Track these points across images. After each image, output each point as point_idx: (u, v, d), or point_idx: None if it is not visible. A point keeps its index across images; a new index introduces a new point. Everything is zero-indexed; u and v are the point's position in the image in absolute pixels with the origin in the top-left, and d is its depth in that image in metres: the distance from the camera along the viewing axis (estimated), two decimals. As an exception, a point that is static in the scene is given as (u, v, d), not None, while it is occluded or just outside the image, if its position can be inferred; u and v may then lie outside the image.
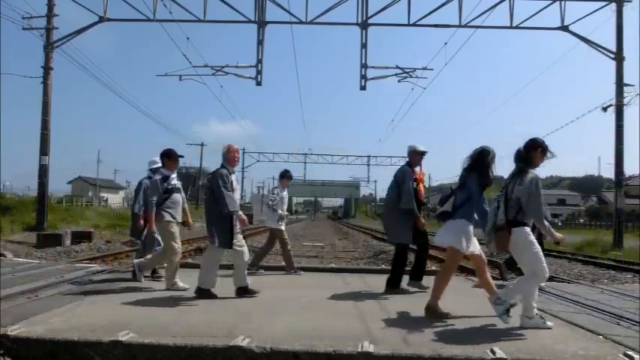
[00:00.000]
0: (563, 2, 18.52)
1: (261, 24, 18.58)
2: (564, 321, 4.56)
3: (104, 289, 5.86)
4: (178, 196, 6.21)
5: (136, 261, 6.31)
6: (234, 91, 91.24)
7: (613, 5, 18.35)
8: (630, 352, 3.41)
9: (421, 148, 6.29)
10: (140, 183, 6.86)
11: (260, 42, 18.63)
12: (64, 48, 19.65)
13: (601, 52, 18.73)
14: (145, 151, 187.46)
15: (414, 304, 5.38)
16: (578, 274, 10.93)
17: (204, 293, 5.28)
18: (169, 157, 6.20)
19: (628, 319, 4.75)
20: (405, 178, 5.95)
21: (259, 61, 18.75)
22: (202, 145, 55.70)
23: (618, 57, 18.37)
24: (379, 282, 6.90)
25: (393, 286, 5.97)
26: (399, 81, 21.07)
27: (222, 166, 5.57)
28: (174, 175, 6.25)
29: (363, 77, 18.98)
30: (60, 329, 3.74)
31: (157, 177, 6.14)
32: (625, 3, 18.26)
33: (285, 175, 8.09)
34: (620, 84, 18.33)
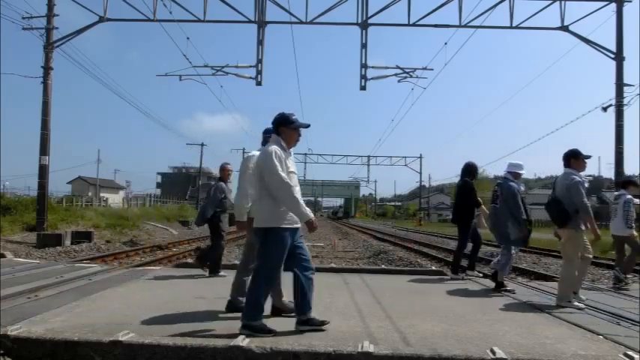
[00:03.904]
0: (563, 2, 18.51)
1: (261, 24, 18.57)
2: (564, 321, 4.57)
3: (104, 289, 5.86)
4: None
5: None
6: (234, 91, 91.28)
7: (613, 5, 18.34)
8: (630, 352, 3.41)
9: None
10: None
11: (260, 42, 18.63)
12: (64, 48, 19.69)
13: (601, 52, 18.73)
14: (144, 151, 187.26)
15: (414, 303, 5.38)
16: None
17: None
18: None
19: (628, 319, 4.75)
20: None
21: (259, 61, 18.75)
22: (202, 145, 55.73)
23: (618, 57, 18.36)
24: (379, 282, 6.91)
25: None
26: (399, 81, 21.07)
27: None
28: None
29: (363, 77, 18.98)
30: (60, 329, 3.74)
31: None
32: (625, 3, 18.26)
33: None
34: (620, 84, 18.31)
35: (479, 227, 7.67)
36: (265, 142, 4.56)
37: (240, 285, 4.66)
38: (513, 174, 6.53)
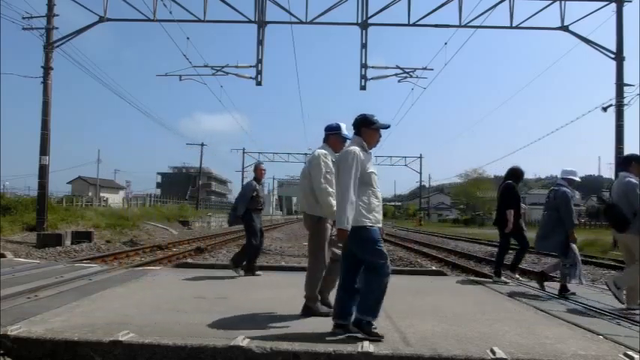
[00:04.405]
0: (563, 2, 18.50)
1: (261, 24, 18.57)
2: (564, 321, 4.57)
3: (104, 289, 5.86)
4: None
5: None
6: (234, 91, 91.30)
7: (613, 5, 18.34)
8: (630, 352, 3.42)
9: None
10: None
11: (260, 42, 18.62)
12: (64, 48, 19.67)
13: (601, 52, 18.73)
14: (144, 151, 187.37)
15: (414, 304, 5.38)
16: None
17: None
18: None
19: (628, 319, 4.75)
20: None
21: (259, 61, 18.75)
22: (202, 145, 55.77)
23: (618, 57, 18.36)
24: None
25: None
26: (399, 81, 21.07)
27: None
28: None
29: (363, 77, 18.97)
30: (60, 329, 3.73)
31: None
32: (625, 3, 18.26)
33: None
34: (620, 84, 18.31)
35: (507, 230, 7.48)
36: (327, 139, 4.68)
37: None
38: (568, 180, 6.45)
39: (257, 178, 7.68)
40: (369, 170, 3.88)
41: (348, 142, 4.24)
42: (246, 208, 7.39)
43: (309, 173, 4.55)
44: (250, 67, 19.08)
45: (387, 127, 4.08)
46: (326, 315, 4.35)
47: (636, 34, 17.22)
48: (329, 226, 4.59)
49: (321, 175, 4.43)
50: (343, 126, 4.67)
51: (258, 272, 7.41)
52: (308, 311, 4.56)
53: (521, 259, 8.04)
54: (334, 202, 4.10)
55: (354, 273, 3.93)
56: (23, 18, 18.84)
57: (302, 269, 8.41)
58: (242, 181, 69.81)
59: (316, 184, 4.44)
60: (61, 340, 3.47)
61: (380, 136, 4.07)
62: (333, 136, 4.66)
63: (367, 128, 4.00)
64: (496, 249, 8.67)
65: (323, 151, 4.57)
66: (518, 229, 7.49)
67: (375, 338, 3.60)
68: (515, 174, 7.67)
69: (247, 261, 7.46)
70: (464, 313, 4.73)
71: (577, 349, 3.54)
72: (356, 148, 3.86)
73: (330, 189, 4.36)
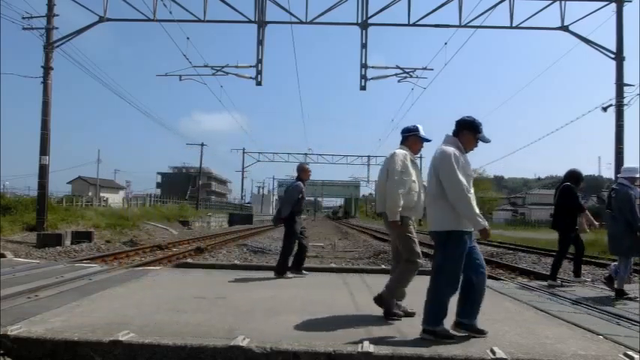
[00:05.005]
0: (563, 2, 18.50)
1: (261, 24, 18.56)
2: (564, 321, 4.56)
3: (104, 289, 5.86)
4: None
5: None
6: (234, 91, 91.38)
7: (613, 5, 18.34)
8: (630, 352, 3.42)
9: None
10: None
11: (260, 42, 18.62)
12: (64, 48, 19.65)
13: (601, 52, 18.73)
14: (144, 151, 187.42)
15: (414, 304, 5.39)
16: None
17: None
18: None
19: (628, 319, 4.75)
20: None
21: (259, 61, 18.74)
22: (202, 145, 55.77)
23: (618, 57, 18.35)
24: (379, 282, 6.90)
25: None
26: (399, 81, 21.07)
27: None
28: None
29: (363, 77, 18.96)
30: (60, 329, 3.74)
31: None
32: (625, 3, 18.26)
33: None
34: (620, 84, 18.30)
35: (580, 232, 7.43)
36: (405, 141, 4.67)
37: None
38: (630, 179, 6.31)
39: (302, 179, 7.42)
40: (467, 173, 3.82)
41: (441, 143, 4.07)
42: (291, 210, 7.20)
43: (387, 172, 4.49)
44: (250, 67, 19.07)
45: (488, 141, 4.02)
46: (400, 316, 4.42)
47: (636, 34, 17.29)
48: (411, 222, 4.57)
49: (394, 174, 4.37)
50: (420, 127, 4.66)
51: (304, 272, 7.29)
52: (382, 304, 4.51)
53: (581, 263, 7.94)
54: (400, 203, 4.23)
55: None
56: (23, 18, 18.83)
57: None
58: (242, 181, 69.93)
59: (390, 179, 4.38)
60: (61, 340, 3.47)
61: (477, 144, 4.02)
62: (411, 137, 4.65)
63: (470, 132, 3.94)
64: (496, 249, 8.62)
65: (403, 151, 4.55)
66: (575, 231, 7.33)
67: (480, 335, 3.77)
68: (574, 176, 7.47)
69: (295, 261, 7.36)
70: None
71: (577, 349, 3.55)
72: (454, 149, 3.80)
73: (402, 189, 4.33)
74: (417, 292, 4.19)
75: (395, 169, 4.38)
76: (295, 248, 7.44)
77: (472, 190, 3.82)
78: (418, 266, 4.54)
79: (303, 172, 7.50)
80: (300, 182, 7.38)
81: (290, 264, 7.38)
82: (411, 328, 4.08)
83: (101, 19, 18.85)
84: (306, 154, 59.69)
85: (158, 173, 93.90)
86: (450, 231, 3.77)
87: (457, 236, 3.76)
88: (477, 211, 3.72)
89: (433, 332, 3.69)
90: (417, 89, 22.31)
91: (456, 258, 3.76)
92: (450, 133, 4.02)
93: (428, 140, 4.67)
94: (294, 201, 7.21)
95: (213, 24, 25.02)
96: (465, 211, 3.71)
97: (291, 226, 7.24)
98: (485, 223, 3.74)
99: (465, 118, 4.00)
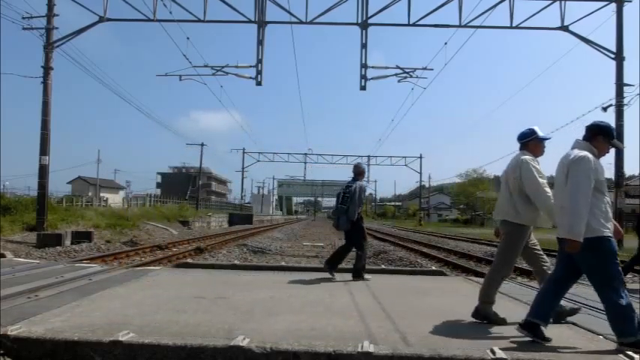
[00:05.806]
0: (563, 2, 18.52)
1: (261, 24, 18.58)
2: (564, 321, 4.56)
3: (104, 289, 5.86)
4: None
5: None
6: (234, 91, 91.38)
7: (613, 5, 18.36)
8: (630, 352, 3.41)
9: None
10: None
11: (260, 42, 18.64)
12: (64, 48, 19.70)
13: (601, 52, 18.75)
14: (144, 151, 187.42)
15: (414, 304, 5.39)
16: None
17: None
18: None
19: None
20: None
21: (259, 61, 18.76)
22: (202, 145, 55.79)
23: (618, 57, 18.38)
24: (379, 282, 6.91)
25: None
26: (399, 81, 21.11)
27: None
28: None
29: (363, 77, 18.99)
30: (60, 329, 3.73)
31: None
32: (625, 3, 18.28)
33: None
34: (620, 84, 18.34)
35: None
36: (524, 147, 4.50)
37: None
38: None
39: (358, 180, 7.42)
40: (602, 178, 3.70)
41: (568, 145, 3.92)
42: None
43: (514, 179, 4.34)
44: (250, 67, 19.11)
45: (622, 147, 3.97)
46: (500, 322, 4.32)
47: (636, 34, 17.29)
48: (528, 233, 4.49)
49: (537, 180, 4.23)
50: (536, 128, 4.50)
51: (367, 276, 7.07)
52: (481, 315, 4.42)
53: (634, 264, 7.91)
54: (553, 207, 4.03)
55: (570, 284, 3.89)
56: (23, 18, 18.86)
57: (302, 269, 8.45)
58: (242, 181, 69.92)
59: (534, 188, 4.22)
60: (61, 340, 3.47)
61: (608, 151, 3.91)
62: (531, 142, 4.47)
63: (604, 138, 3.81)
64: (495, 249, 8.62)
65: (529, 156, 4.37)
66: None
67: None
68: None
69: (336, 261, 7.33)
70: (464, 313, 4.72)
71: (577, 349, 3.55)
72: (590, 155, 3.67)
73: (550, 193, 4.18)
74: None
75: (535, 175, 4.21)
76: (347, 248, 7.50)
77: (607, 194, 3.72)
78: (510, 274, 4.58)
79: (362, 174, 7.59)
80: (364, 182, 7.49)
81: (332, 261, 7.35)
82: (411, 328, 4.08)
83: (101, 19, 18.86)
84: (306, 154, 59.84)
85: (158, 173, 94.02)
86: (601, 237, 3.59)
87: (607, 242, 3.63)
88: (585, 220, 3.54)
89: (636, 344, 3.48)
90: (417, 89, 22.39)
91: (614, 265, 3.62)
92: (580, 138, 3.88)
93: (548, 139, 4.51)
94: (362, 202, 7.26)
95: (213, 24, 25.06)
96: (573, 216, 3.56)
97: (361, 227, 7.29)
98: (581, 237, 3.54)
99: (598, 124, 3.87)
